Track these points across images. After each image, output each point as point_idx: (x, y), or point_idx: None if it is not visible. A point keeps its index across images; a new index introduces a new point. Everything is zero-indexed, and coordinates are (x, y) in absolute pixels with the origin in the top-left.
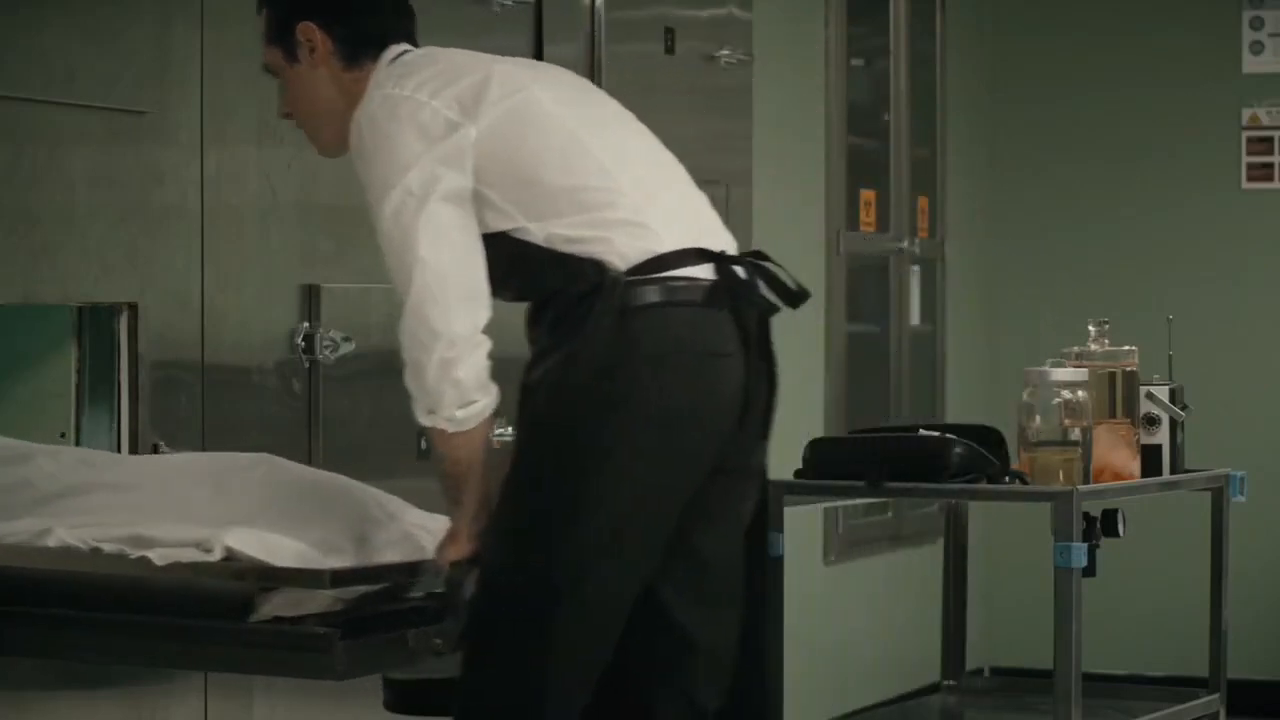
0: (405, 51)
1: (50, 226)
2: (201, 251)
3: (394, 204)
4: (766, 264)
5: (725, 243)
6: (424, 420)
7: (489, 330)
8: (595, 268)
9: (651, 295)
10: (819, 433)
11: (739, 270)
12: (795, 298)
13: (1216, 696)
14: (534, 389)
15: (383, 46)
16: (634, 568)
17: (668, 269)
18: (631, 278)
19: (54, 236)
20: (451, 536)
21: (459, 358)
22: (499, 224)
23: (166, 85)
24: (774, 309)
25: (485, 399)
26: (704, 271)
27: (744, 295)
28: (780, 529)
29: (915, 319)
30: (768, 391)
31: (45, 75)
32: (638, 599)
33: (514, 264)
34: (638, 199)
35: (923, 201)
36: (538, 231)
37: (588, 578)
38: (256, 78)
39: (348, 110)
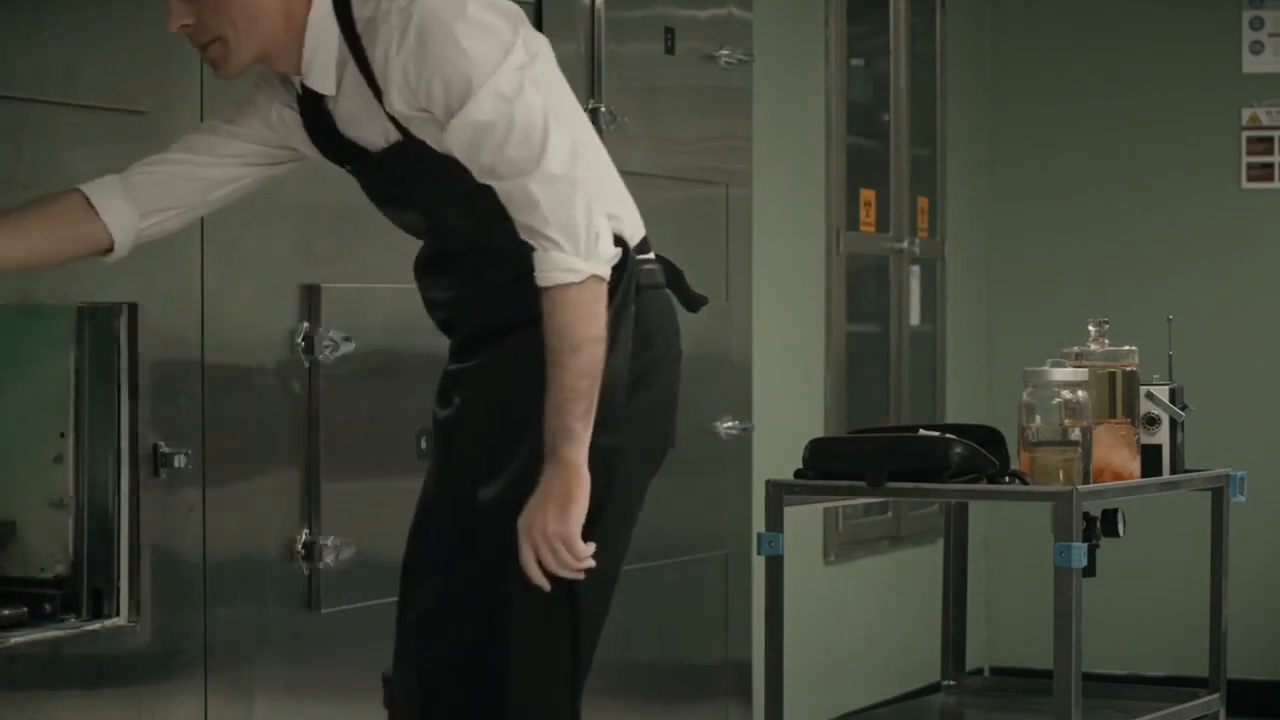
0: None
1: None
2: (201, 251)
3: (508, 82)
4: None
5: None
6: (580, 269)
7: None
8: (619, 243)
9: (653, 277)
10: (819, 433)
11: (672, 263)
12: (695, 301)
13: (1216, 696)
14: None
15: None
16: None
17: (646, 251)
18: (638, 256)
19: None
20: (581, 483)
21: (600, 202)
22: None
23: (166, 85)
24: (698, 304)
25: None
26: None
27: (676, 285)
28: (780, 529)
29: (915, 319)
30: None
31: (45, 75)
32: None
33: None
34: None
35: (923, 201)
36: None
37: (606, 554)
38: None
39: (279, 29)
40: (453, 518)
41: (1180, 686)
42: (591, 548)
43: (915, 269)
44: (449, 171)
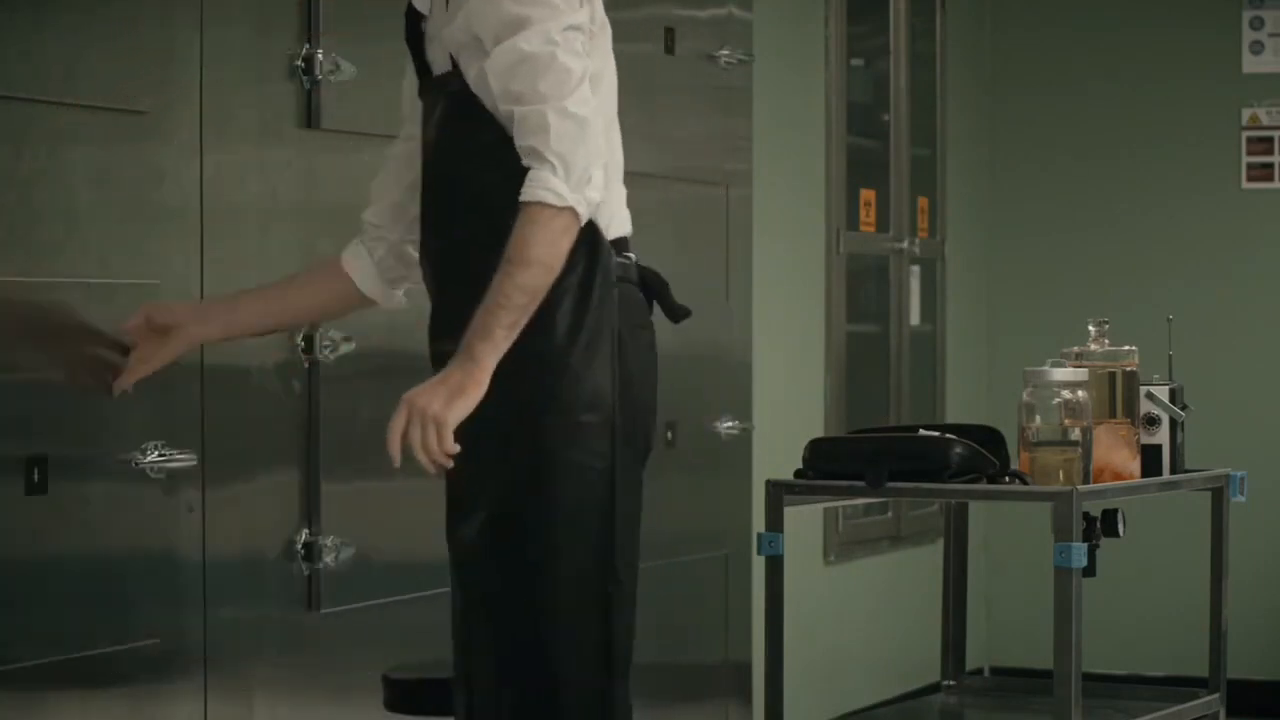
0: None
1: (50, 226)
2: (201, 251)
3: (560, 32)
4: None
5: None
6: (564, 197)
7: None
8: (590, 229)
9: (625, 272)
10: (819, 433)
11: (656, 272)
12: (677, 313)
13: (1216, 696)
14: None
15: None
16: (637, 529)
17: (624, 251)
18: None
19: (54, 236)
20: (478, 381)
21: (600, 159)
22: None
23: (166, 85)
24: (680, 315)
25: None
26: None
27: (659, 293)
28: (780, 529)
29: (915, 319)
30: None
31: (45, 75)
32: None
33: (513, 182)
34: (616, 179)
35: (923, 201)
36: None
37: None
38: (256, 78)
39: None
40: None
41: (1180, 686)
42: (456, 447)
43: (915, 269)
44: (471, 111)
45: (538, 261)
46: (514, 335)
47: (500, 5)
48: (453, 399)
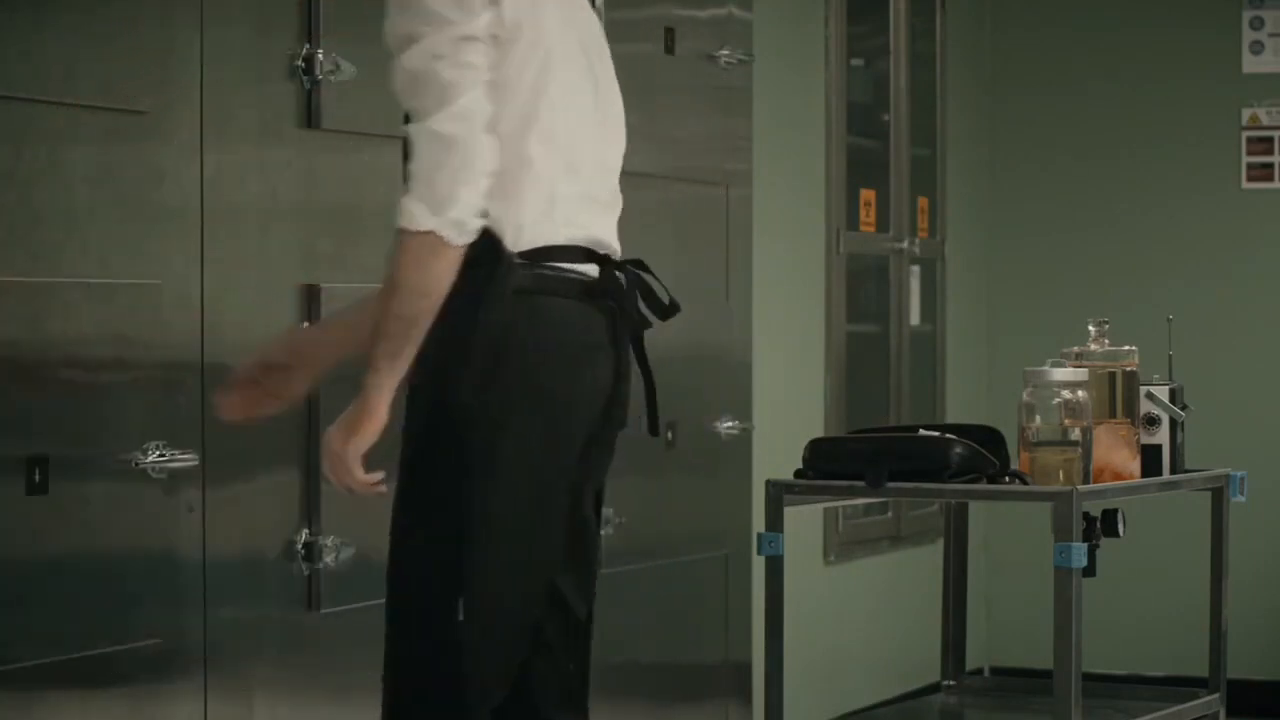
0: None
1: (50, 226)
2: (201, 251)
3: (447, 45)
4: (644, 274)
5: (611, 236)
6: (423, 223)
7: None
8: (488, 244)
9: (536, 283)
10: (819, 433)
11: (620, 276)
12: (666, 310)
13: (1216, 696)
14: (425, 367)
15: None
16: (537, 550)
17: (552, 260)
18: (520, 262)
19: (54, 236)
20: (369, 413)
21: (477, 175)
22: None
23: (166, 85)
24: (646, 324)
25: (480, 226)
26: (588, 270)
27: (620, 300)
28: (780, 529)
29: (915, 319)
30: (648, 394)
31: (45, 75)
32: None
33: None
34: (560, 173)
35: (923, 201)
36: None
37: (495, 562)
38: (256, 78)
39: None
40: None
41: (1180, 686)
42: (377, 477)
43: (915, 269)
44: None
45: (404, 287)
46: (399, 364)
47: (394, 22)
48: (349, 435)
